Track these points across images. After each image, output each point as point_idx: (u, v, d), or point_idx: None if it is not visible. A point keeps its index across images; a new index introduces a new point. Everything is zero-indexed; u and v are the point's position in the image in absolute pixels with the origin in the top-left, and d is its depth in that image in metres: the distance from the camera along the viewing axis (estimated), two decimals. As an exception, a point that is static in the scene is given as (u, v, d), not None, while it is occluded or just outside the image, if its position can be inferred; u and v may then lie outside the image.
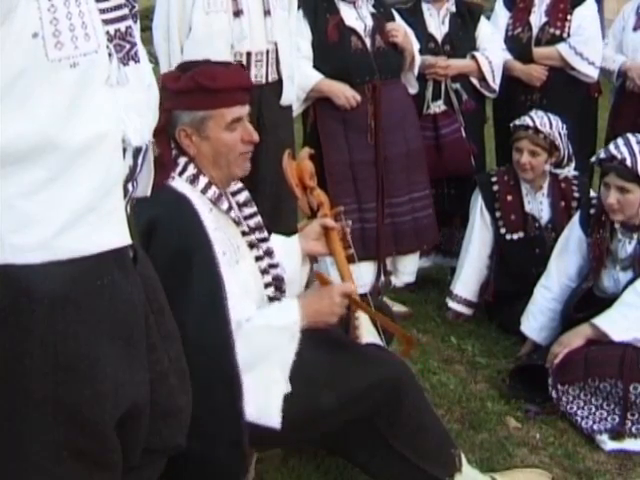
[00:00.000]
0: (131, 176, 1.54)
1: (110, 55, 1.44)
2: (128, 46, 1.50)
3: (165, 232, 2.10)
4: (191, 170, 2.22)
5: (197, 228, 2.14)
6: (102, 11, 1.43)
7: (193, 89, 2.16)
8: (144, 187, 1.62)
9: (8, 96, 1.30)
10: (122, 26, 1.48)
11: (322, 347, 2.27)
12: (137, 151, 1.53)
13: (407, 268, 3.84)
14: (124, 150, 1.50)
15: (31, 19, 1.30)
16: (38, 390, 1.41)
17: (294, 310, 2.20)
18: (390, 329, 2.49)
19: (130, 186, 1.55)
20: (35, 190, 1.35)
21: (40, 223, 1.36)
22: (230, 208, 2.29)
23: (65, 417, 1.44)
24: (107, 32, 1.45)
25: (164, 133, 2.21)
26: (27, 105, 1.32)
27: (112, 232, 1.47)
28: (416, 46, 3.73)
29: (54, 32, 1.32)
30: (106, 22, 1.44)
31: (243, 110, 2.24)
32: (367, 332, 2.47)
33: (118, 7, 1.48)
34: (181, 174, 2.22)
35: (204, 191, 2.21)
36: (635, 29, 4.18)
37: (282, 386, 2.15)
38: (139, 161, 1.55)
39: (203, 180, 2.22)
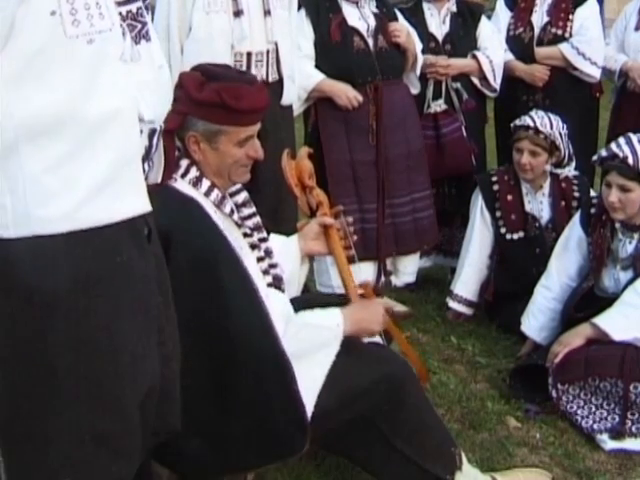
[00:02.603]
0: (147, 156, 1.61)
1: (123, 34, 1.51)
2: (140, 26, 1.57)
3: (183, 235, 2.11)
4: (194, 173, 2.23)
5: (212, 228, 2.16)
6: None
7: (216, 104, 2.16)
8: (155, 172, 1.67)
9: (29, 72, 1.37)
10: (133, 7, 1.56)
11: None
12: (152, 132, 1.61)
13: (407, 268, 3.85)
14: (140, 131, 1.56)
15: None
16: (61, 366, 1.45)
17: (337, 314, 2.28)
18: (411, 357, 2.57)
19: (146, 165, 1.61)
20: (57, 164, 1.41)
21: (63, 196, 1.42)
22: (232, 211, 2.31)
23: (87, 394, 1.47)
24: (119, 13, 1.52)
25: (173, 134, 2.22)
26: (46, 80, 1.39)
27: (133, 200, 1.54)
28: (419, 46, 3.74)
29: (71, 10, 1.39)
30: (118, 4, 1.52)
31: (256, 128, 2.28)
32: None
33: None
34: (183, 176, 2.22)
35: (207, 194, 2.23)
36: (637, 29, 4.18)
37: (319, 385, 2.18)
38: (154, 142, 1.62)
39: (206, 183, 2.23)
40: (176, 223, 2.11)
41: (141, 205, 1.57)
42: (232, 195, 2.38)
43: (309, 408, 2.16)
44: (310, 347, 2.21)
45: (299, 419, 2.14)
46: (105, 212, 1.47)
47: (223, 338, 2.10)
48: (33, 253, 1.41)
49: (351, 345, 2.36)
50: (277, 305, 2.22)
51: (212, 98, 2.16)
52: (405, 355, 2.58)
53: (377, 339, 2.49)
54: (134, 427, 1.56)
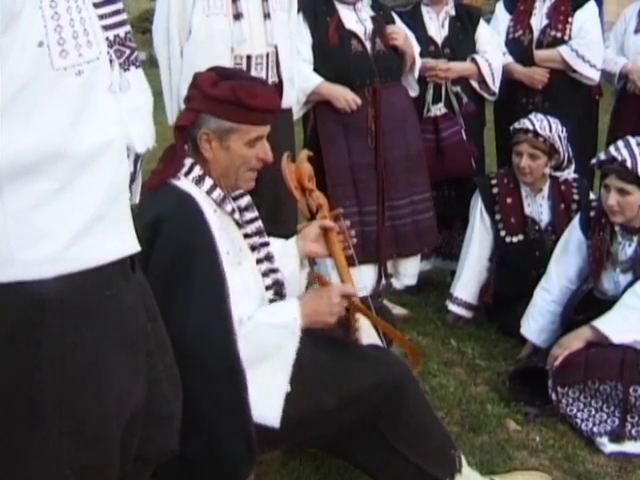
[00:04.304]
0: (131, 183, 1.53)
1: (111, 62, 1.44)
2: (128, 51, 1.50)
3: (170, 227, 2.12)
4: (197, 171, 2.24)
5: (201, 225, 2.15)
6: (101, 17, 1.43)
7: (230, 100, 2.18)
8: (135, 194, 1.61)
9: (14, 107, 1.28)
10: (121, 32, 1.49)
11: (323, 347, 2.27)
12: (137, 157, 1.53)
13: (408, 271, 3.85)
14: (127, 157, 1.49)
15: (36, 27, 1.28)
16: (47, 404, 1.39)
17: (294, 308, 2.21)
18: (391, 336, 2.49)
19: (130, 192, 1.53)
20: (44, 202, 1.33)
21: (51, 236, 1.33)
22: (234, 210, 2.31)
23: (71, 430, 1.42)
24: (107, 38, 1.44)
25: (185, 131, 2.24)
26: (34, 115, 1.30)
27: (122, 240, 1.46)
28: (416, 49, 3.74)
29: (59, 40, 1.30)
30: (105, 28, 1.44)
31: (266, 130, 2.29)
32: (367, 334, 2.47)
33: (117, 12, 1.47)
34: (187, 175, 2.24)
35: (209, 192, 2.24)
36: (636, 31, 4.19)
37: (283, 385, 2.16)
38: (138, 166, 1.55)
39: (209, 181, 2.24)
40: (167, 215, 2.12)
41: (130, 244, 1.48)
42: (235, 199, 2.38)
43: (275, 414, 2.13)
44: (266, 350, 2.17)
45: (245, 432, 2.08)
46: (94, 252, 1.38)
47: (181, 336, 2.01)
48: (17, 292, 1.33)
49: (351, 347, 2.37)
50: (244, 312, 2.17)
51: (227, 95, 2.18)
52: (388, 336, 2.52)
53: (377, 341, 2.49)
54: (115, 459, 1.50)
